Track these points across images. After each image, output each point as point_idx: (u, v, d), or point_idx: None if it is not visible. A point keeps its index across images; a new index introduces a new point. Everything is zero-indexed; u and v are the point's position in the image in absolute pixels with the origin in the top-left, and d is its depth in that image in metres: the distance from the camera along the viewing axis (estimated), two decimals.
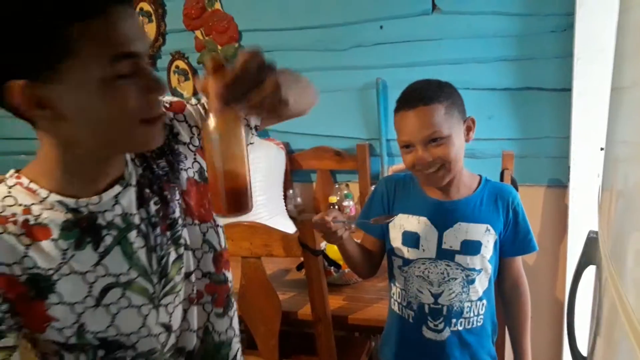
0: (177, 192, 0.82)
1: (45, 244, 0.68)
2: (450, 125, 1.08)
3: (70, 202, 0.70)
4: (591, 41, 1.73)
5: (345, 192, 2.18)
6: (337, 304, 1.55)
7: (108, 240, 0.73)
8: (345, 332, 1.75)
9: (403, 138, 1.11)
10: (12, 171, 0.72)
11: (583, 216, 1.86)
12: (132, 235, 0.75)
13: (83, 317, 0.70)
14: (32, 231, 0.67)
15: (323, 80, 2.21)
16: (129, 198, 0.75)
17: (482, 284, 1.17)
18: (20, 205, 0.68)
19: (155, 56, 2.42)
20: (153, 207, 0.78)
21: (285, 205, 2.26)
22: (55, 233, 0.69)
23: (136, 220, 0.75)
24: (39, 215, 0.68)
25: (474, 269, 1.15)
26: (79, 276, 0.70)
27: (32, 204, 0.68)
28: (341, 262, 1.58)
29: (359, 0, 2.06)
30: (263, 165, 2.13)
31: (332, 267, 1.70)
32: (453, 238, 1.15)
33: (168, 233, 0.79)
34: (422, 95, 1.10)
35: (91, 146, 0.68)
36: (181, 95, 2.44)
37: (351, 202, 2.15)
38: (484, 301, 1.19)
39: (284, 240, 1.40)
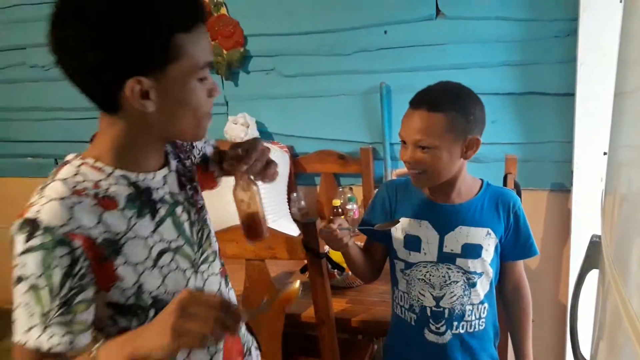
0: (197, 185, 1.00)
1: (114, 213, 0.80)
2: (444, 138, 1.07)
3: (132, 175, 0.84)
4: (594, 46, 1.74)
5: (349, 195, 2.18)
6: (340, 307, 1.56)
7: (162, 212, 0.87)
8: (348, 334, 1.76)
9: (400, 133, 1.13)
10: (72, 155, 0.84)
11: (586, 220, 1.87)
12: (179, 210, 0.91)
13: (142, 278, 0.83)
14: (102, 202, 0.79)
15: (327, 84, 2.22)
16: (173, 180, 0.92)
17: (483, 287, 1.18)
18: (89, 181, 0.80)
19: None
20: (189, 192, 0.95)
21: (289, 209, 2.26)
22: (122, 204, 0.82)
23: (180, 198, 0.92)
24: (107, 188, 0.81)
25: (475, 272, 1.16)
26: (141, 240, 0.83)
27: (100, 179, 0.81)
28: (344, 265, 1.59)
29: (363, 5, 2.06)
30: None
31: (336, 270, 1.71)
32: (454, 242, 1.15)
33: (201, 214, 0.97)
34: (430, 100, 1.09)
35: (163, 131, 0.83)
36: None
37: (355, 206, 2.16)
38: (486, 304, 1.20)
39: (288, 243, 1.41)
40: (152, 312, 0.84)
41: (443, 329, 1.19)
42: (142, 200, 0.85)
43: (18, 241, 0.75)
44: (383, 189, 1.27)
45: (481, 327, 1.20)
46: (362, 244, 1.33)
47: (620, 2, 1.21)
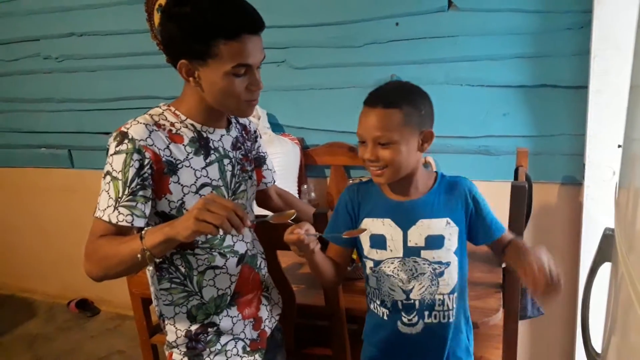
0: (252, 162, 1.33)
1: (179, 145, 1.13)
2: (402, 132, 1.12)
3: (198, 125, 1.17)
4: (608, 39, 1.72)
5: None
6: (350, 298, 1.56)
7: (212, 157, 1.18)
8: (357, 325, 1.77)
9: (358, 132, 1.17)
10: (162, 104, 1.18)
11: (597, 214, 1.86)
12: (226, 161, 1.21)
13: (185, 197, 1.13)
14: (172, 136, 1.13)
15: (338, 76, 2.22)
16: (228, 141, 1.24)
17: (451, 277, 1.20)
18: (168, 121, 1.15)
19: None
20: (239, 155, 1.26)
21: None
22: (186, 141, 1.14)
23: (230, 155, 1.23)
24: (179, 128, 1.15)
25: (440, 262, 1.19)
26: (192, 170, 1.14)
27: (175, 122, 1.15)
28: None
29: None
30: (278, 160, 2.15)
31: (314, 271, 1.71)
32: (417, 235, 1.18)
33: (244, 174, 1.27)
34: (385, 97, 1.14)
35: (212, 103, 1.14)
36: None
37: None
38: (455, 294, 1.22)
39: None
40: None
41: (415, 319, 1.21)
42: (201, 144, 1.16)
43: (111, 146, 1.08)
44: (345, 193, 1.29)
45: (452, 319, 1.22)
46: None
47: None
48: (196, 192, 1.14)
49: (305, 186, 2.31)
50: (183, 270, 1.18)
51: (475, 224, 1.21)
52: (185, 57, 1.07)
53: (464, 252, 1.22)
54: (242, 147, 1.28)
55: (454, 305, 1.22)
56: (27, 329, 3.03)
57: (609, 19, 1.70)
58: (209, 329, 1.22)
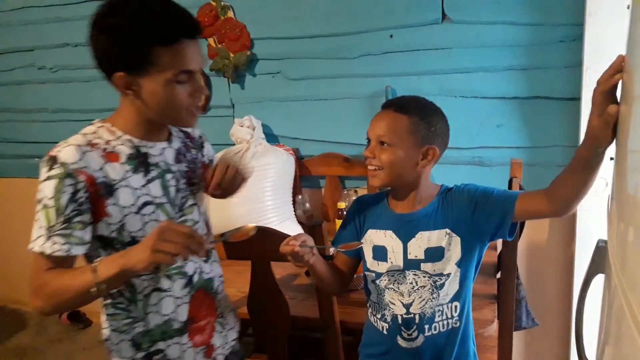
0: (199, 171, 1.24)
1: (115, 165, 1.06)
2: (404, 138, 1.13)
3: (136, 140, 1.10)
4: (600, 51, 1.74)
5: (354, 198, 2.18)
6: (345, 310, 1.56)
7: (153, 173, 1.11)
8: (352, 337, 1.76)
9: (367, 131, 1.19)
10: (97, 120, 1.11)
11: (591, 225, 1.86)
12: (169, 176, 1.14)
13: (125, 219, 1.06)
14: (108, 155, 1.06)
15: (333, 87, 2.23)
16: (170, 154, 1.16)
17: (452, 287, 1.19)
18: (103, 139, 1.07)
19: None
20: (184, 167, 1.19)
21: (294, 211, 2.27)
22: (123, 159, 1.07)
23: (173, 169, 1.16)
24: (114, 146, 1.07)
25: (441, 274, 1.17)
26: (131, 190, 1.07)
27: (110, 139, 1.08)
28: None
29: (369, 9, 2.07)
30: (273, 170, 2.15)
31: (315, 279, 1.71)
32: (417, 247, 1.18)
33: (190, 187, 1.19)
34: (399, 103, 1.18)
35: (153, 116, 1.08)
36: None
37: None
38: (456, 303, 1.20)
39: None
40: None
41: (415, 334, 1.21)
42: (139, 160, 1.09)
43: (42, 171, 1.01)
44: (353, 205, 1.32)
45: (455, 325, 1.21)
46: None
47: (628, 8, 1.21)
48: (137, 212, 1.07)
49: (300, 197, 2.31)
50: (127, 294, 1.12)
51: (485, 209, 1.13)
52: (121, 69, 1.01)
53: (470, 260, 1.18)
54: (186, 157, 1.21)
55: (455, 313, 1.21)
56: (18, 341, 3.00)
57: (600, 31, 1.72)
58: (154, 357, 1.16)
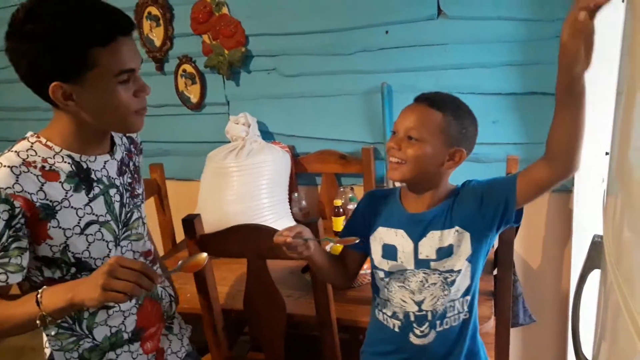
0: (141, 180, 1.20)
1: (55, 184, 0.98)
2: (434, 135, 1.10)
3: (76, 156, 1.02)
4: (596, 46, 1.73)
5: (350, 195, 2.18)
6: (341, 307, 1.56)
7: (96, 190, 1.05)
8: (349, 335, 1.76)
9: (395, 123, 1.15)
10: (30, 132, 1.02)
11: (587, 221, 1.86)
12: (113, 191, 1.08)
13: (69, 240, 1.00)
14: (46, 174, 0.97)
15: (329, 84, 2.22)
16: (113, 167, 1.09)
17: (463, 282, 1.18)
18: (39, 156, 0.98)
19: (162, 60, 2.44)
20: (127, 179, 1.13)
21: (290, 208, 2.26)
22: (63, 177, 0.99)
23: (117, 183, 1.09)
24: (53, 164, 0.99)
25: (452, 271, 1.16)
26: (73, 210, 1.00)
27: (48, 156, 0.99)
28: None
29: (365, 5, 2.06)
30: (268, 168, 2.14)
31: (316, 271, 1.71)
32: (428, 247, 1.16)
33: (134, 200, 1.14)
34: (433, 98, 1.13)
35: (96, 125, 1.00)
36: (188, 99, 2.45)
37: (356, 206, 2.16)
38: (468, 297, 1.20)
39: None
40: (73, 269, 1.03)
41: (427, 330, 1.20)
42: (81, 178, 1.02)
43: None
44: (364, 198, 1.30)
45: (465, 317, 1.21)
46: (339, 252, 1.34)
47: (623, 1, 1.21)
48: (81, 233, 1.01)
49: (296, 194, 2.31)
50: (72, 313, 1.06)
51: (491, 200, 1.12)
52: (56, 78, 0.91)
53: (480, 253, 1.17)
54: (129, 168, 1.15)
55: (466, 306, 1.20)
56: (13, 341, 2.97)
57: (596, 27, 1.71)
58: None
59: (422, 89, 2.03)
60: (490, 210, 1.12)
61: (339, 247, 1.61)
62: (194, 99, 2.44)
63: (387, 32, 2.07)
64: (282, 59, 2.27)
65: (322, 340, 1.51)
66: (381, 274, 1.22)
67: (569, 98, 0.93)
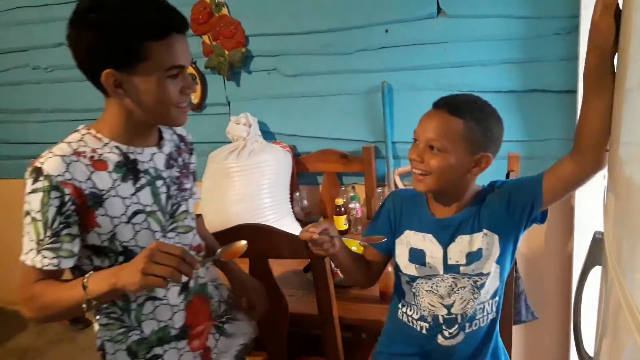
0: (191, 176, 1.24)
1: (103, 174, 1.03)
2: (456, 144, 1.06)
3: (123, 147, 1.07)
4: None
5: (352, 194, 2.19)
6: (344, 306, 1.56)
7: (143, 181, 1.08)
8: (352, 333, 1.76)
9: (416, 130, 1.12)
10: (82, 126, 1.08)
11: (589, 217, 1.87)
12: (159, 183, 1.11)
13: (116, 229, 1.04)
14: (95, 164, 1.03)
15: (329, 83, 2.23)
16: (161, 159, 1.13)
17: (493, 284, 1.17)
18: (89, 146, 1.03)
19: None
20: (175, 172, 1.16)
21: (292, 208, 2.27)
22: (111, 167, 1.04)
23: (164, 175, 1.13)
24: (101, 154, 1.04)
25: (481, 274, 1.14)
26: (120, 199, 1.04)
27: (97, 147, 1.04)
28: None
29: (364, 4, 2.06)
30: (270, 168, 2.15)
31: (339, 269, 1.71)
32: (457, 252, 1.14)
33: (182, 193, 1.17)
34: (454, 104, 1.09)
35: (142, 115, 1.04)
36: None
37: (357, 205, 2.16)
38: (496, 298, 1.20)
39: (291, 242, 1.41)
40: (121, 258, 1.05)
41: (456, 332, 1.19)
42: (128, 168, 1.06)
43: (27, 183, 0.99)
44: (390, 199, 1.26)
45: (492, 317, 1.21)
46: (363, 251, 1.33)
47: None
48: (128, 222, 1.05)
49: (297, 194, 2.31)
50: (120, 303, 1.09)
51: (518, 201, 1.10)
52: (110, 66, 0.97)
53: (508, 254, 1.15)
54: (177, 163, 1.18)
55: (494, 307, 1.20)
56: (18, 343, 2.99)
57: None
58: None
59: (423, 87, 2.06)
60: (517, 211, 1.10)
61: (351, 242, 1.61)
62: (194, 99, 2.44)
63: (387, 31, 2.07)
64: (282, 59, 2.27)
65: (325, 338, 1.51)
66: (406, 278, 1.21)
67: (599, 82, 0.87)
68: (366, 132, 2.24)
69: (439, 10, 1.98)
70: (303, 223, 2.20)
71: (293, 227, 2.14)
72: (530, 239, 2.10)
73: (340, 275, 1.69)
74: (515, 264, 1.63)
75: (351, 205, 2.15)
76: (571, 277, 1.99)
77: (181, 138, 1.24)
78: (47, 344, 2.94)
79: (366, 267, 1.27)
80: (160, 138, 1.16)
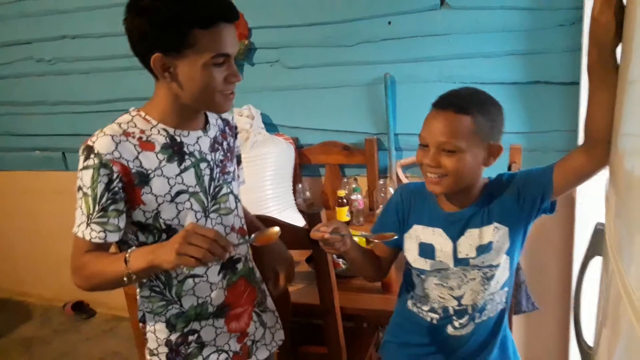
0: (234, 160, 1.29)
1: (150, 154, 1.08)
2: (470, 141, 1.05)
3: (170, 130, 1.11)
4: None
5: (354, 186, 2.19)
6: (345, 296, 1.57)
7: (188, 162, 1.13)
8: (353, 323, 1.78)
9: (422, 134, 1.09)
10: (132, 108, 1.12)
11: (590, 209, 1.87)
12: (203, 165, 1.16)
13: (160, 207, 1.09)
14: (143, 144, 1.08)
15: (332, 75, 2.23)
16: (206, 143, 1.17)
17: (503, 275, 1.18)
18: (138, 128, 1.09)
19: None
20: (219, 156, 1.20)
21: (295, 199, 2.28)
22: (157, 148, 1.09)
23: (208, 158, 1.17)
24: (150, 135, 1.09)
25: (491, 265, 1.15)
26: (165, 179, 1.09)
27: (145, 129, 1.09)
28: None
29: None
30: (273, 160, 2.15)
31: (341, 260, 1.73)
32: (467, 246, 1.14)
33: (225, 176, 1.21)
34: (458, 102, 1.07)
35: (188, 100, 1.08)
36: None
37: (359, 196, 2.17)
38: (506, 289, 1.20)
39: (294, 233, 1.42)
40: (164, 235, 1.11)
41: (466, 322, 1.20)
42: (174, 150, 1.11)
43: (80, 160, 1.04)
44: (397, 193, 1.25)
45: (501, 307, 1.22)
46: (372, 246, 1.33)
47: None
48: (172, 201, 1.10)
49: (300, 185, 2.32)
50: (163, 278, 1.16)
51: (529, 193, 1.10)
52: (159, 50, 1.02)
53: (518, 245, 1.16)
54: (222, 147, 1.22)
55: (504, 297, 1.21)
56: (23, 332, 3.02)
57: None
58: (190, 338, 1.19)
59: (425, 79, 2.06)
60: (528, 203, 1.11)
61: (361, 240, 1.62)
62: None
63: (389, 22, 2.07)
64: (285, 51, 2.27)
65: (326, 328, 1.52)
66: (417, 272, 1.21)
67: (602, 77, 0.88)
68: (369, 124, 2.24)
69: (442, 1, 1.97)
70: (305, 214, 2.21)
71: (296, 219, 2.15)
72: (532, 229, 2.09)
73: (342, 265, 1.70)
74: None
75: (353, 197, 2.16)
76: (572, 268, 2.00)
77: (226, 122, 1.27)
78: (52, 333, 2.97)
79: (377, 261, 1.28)
80: (206, 122, 1.20)
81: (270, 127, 2.36)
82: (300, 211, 2.25)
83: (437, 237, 1.17)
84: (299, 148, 2.35)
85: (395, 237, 1.14)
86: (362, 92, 2.20)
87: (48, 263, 3.16)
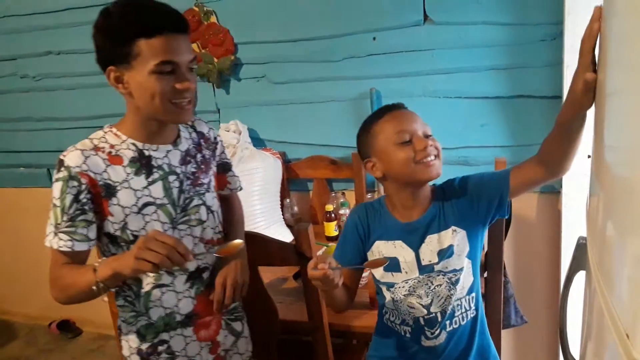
0: (210, 172, 1.30)
1: (118, 167, 1.14)
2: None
3: (140, 144, 1.17)
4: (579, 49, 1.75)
5: (342, 200, 2.19)
6: (333, 312, 1.56)
7: (156, 175, 1.17)
8: (342, 339, 1.76)
9: (404, 129, 1.12)
10: (107, 125, 1.19)
11: (576, 222, 1.88)
12: (172, 177, 1.19)
13: (127, 218, 1.14)
14: (112, 158, 1.14)
15: (318, 90, 2.24)
16: (176, 156, 1.21)
17: (467, 279, 1.20)
18: (109, 143, 1.15)
19: None
20: (191, 168, 1.24)
21: (282, 214, 2.27)
22: (126, 162, 1.15)
23: (178, 170, 1.21)
24: (119, 150, 1.15)
25: (454, 270, 1.17)
26: (132, 191, 1.14)
27: (115, 143, 1.15)
28: None
29: (352, 12, 2.08)
30: (260, 174, 2.15)
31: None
32: (429, 252, 1.17)
33: (197, 188, 1.24)
34: (400, 105, 1.20)
35: (144, 111, 1.12)
36: None
37: (347, 211, 2.17)
38: (473, 294, 1.22)
39: (281, 249, 1.42)
40: (132, 247, 1.09)
41: (438, 331, 1.21)
42: (142, 163, 1.16)
43: (54, 174, 1.11)
44: (354, 214, 1.27)
45: (472, 315, 1.23)
46: None
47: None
48: (138, 212, 1.14)
49: (287, 200, 2.31)
50: (134, 288, 1.20)
51: (483, 196, 1.15)
52: (111, 63, 1.08)
53: (477, 248, 1.19)
54: (195, 159, 1.26)
55: (472, 303, 1.22)
56: (8, 352, 2.96)
57: (579, 30, 1.72)
58: (159, 348, 1.22)
59: (411, 93, 2.08)
60: (483, 206, 1.15)
61: (331, 249, 1.61)
62: None
63: (374, 38, 2.09)
64: (271, 66, 2.28)
65: (315, 345, 1.51)
66: (385, 286, 1.23)
67: (570, 131, 0.98)
68: (355, 139, 2.24)
69: (426, 17, 2.00)
70: (293, 230, 2.20)
71: (283, 234, 2.14)
72: (519, 242, 2.11)
73: None
74: (504, 268, 1.65)
75: (341, 212, 2.16)
76: (560, 282, 2.01)
77: (201, 135, 1.30)
78: (37, 353, 2.91)
79: (348, 290, 1.27)
80: (178, 136, 1.24)
81: (258, 141, 2.37)
82: (288, 226, 2.24)
83: (399, 250, 1.19)
84: (286, 163, 2.35)
85: (386, 263, 1.14)
86: (348, 106, 2.21)
87: (33, 281, 3.09)
